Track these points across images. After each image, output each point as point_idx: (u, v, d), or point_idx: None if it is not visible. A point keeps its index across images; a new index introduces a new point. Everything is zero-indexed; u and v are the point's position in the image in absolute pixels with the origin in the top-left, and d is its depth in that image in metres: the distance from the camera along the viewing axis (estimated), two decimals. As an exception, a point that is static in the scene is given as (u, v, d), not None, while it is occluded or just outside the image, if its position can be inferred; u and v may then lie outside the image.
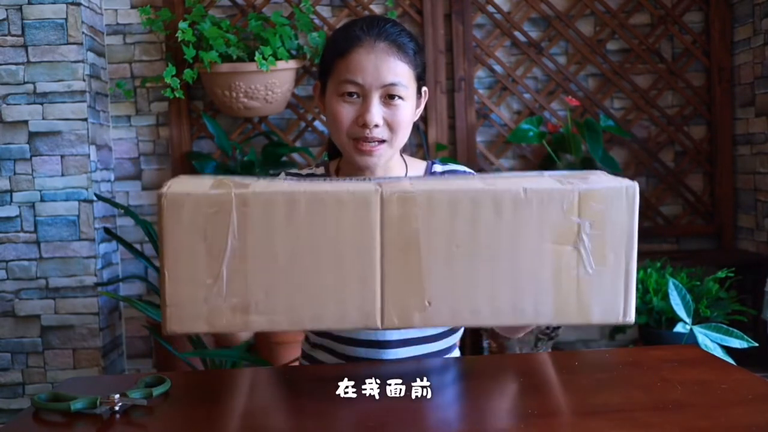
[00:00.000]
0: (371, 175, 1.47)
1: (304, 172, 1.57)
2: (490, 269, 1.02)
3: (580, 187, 1.02)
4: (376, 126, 1.39)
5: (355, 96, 1.40)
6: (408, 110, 1.42)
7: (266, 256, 1.00)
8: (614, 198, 1.02)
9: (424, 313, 1.01)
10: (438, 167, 1.56)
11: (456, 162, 3.16)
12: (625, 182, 1.04)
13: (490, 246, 1.02)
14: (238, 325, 1.00)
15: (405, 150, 1.56)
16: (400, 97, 1.40)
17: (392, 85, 1.39)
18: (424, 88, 1.50)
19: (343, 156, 1.51)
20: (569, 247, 1.02)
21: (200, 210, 0.99)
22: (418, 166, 1.56)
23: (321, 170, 1.57)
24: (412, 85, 1.43)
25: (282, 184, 1.04)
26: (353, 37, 1.41)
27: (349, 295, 1.01)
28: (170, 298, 0.99)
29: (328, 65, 1.44)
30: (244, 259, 0.99)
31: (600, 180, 1.06)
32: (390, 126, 1.41)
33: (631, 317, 1.05)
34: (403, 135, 1.43)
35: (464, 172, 1.55)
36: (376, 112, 1.39)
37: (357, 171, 1.47)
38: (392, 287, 1.01)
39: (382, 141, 1.41)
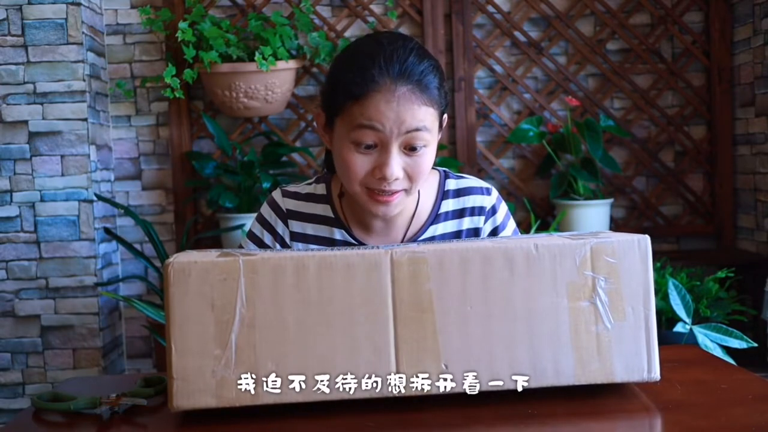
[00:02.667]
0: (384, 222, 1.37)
1: (303, 191, 1.42)
2: (505, 329, 1.00)
3: (591, 241, 1.02)
4: (396, 179, 1.24)
5: (374, 146, 1.23)
6: (431, 155, 1.27)
7: (276, 323, 0.98)
8: (627, 251, 1.02)
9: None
10: (451, 183, 1.43)
11: (456, 162, 3.17)
12: (637, 236, 1.04)
13: (504, 305, 1.00)
14: (247, 398, 0.98)
15: None
16: (423, 145, 1.25)
17: (416, 130, 1.22)
18: (444, 115, 1.34)
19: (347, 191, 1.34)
20: (586, 303, 1.02)
21: (208, 278, 0.97)
22: (430, 179, 1.41)
23: (322, 188, 1.41)
24: (436, 125, 1.28)
25: (290, 251, 1.02)
26: (370, 80, 1.21)
27: (363, 362, 0.99)
28: (177, 371, 0.97)
29: (339, 104, 1.25)
30: (252, 328, 0.98)
31: (611, 235, 1.06)
32: (410, 176, 1.26)
33: (656, 374, 1.04)
34: (424, 180, 1.30)
35: (480, 189, 1.42)
36: (396, 165, 1.23)
37: (366, 213, 1.35)
38: (407, 351, 0.99)
39: (401, 191, 1.27)
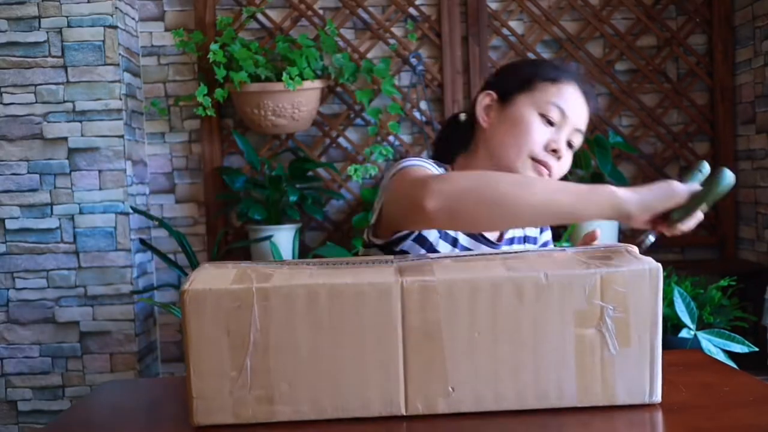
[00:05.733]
0: None
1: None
2: (512, 355, 1.00)
3: (602, 270, 1.00)
4: (560, 157, 1.36)
5: (554, 125, 1.36)
6: (569, 164, 1.40)
7: (288, 348, 0.99)
8: (637, 280, 1.00)
9: (447, 399, 1.01)
10: None
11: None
12: (648, 264, 1.01)
13: (512, 332, 1.00)
14: (263, 416, 1.00)
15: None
16: (574, 147, 1.39)
17: (579, 131, 1.38)
18: None
19: (501, 165, 1.37)
20: (592, 330, 1.00)
21: (222, 305, 0.99)
22: None
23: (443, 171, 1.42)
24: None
25: (303, 275, 1.03)
26: (566, 71, 1.39)
27: (373, 384, 1.00)
28: (196, 391, 1.00)
29: (531, 82, 1.38)
30: (266, 352, 0.99)
31: (622, 261, 1.03)
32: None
33: (658, 396, 1.02)
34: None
35: None
36: (564, 146, 1.37)
37: None
38: (415, 375, 1.00)
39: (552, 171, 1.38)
